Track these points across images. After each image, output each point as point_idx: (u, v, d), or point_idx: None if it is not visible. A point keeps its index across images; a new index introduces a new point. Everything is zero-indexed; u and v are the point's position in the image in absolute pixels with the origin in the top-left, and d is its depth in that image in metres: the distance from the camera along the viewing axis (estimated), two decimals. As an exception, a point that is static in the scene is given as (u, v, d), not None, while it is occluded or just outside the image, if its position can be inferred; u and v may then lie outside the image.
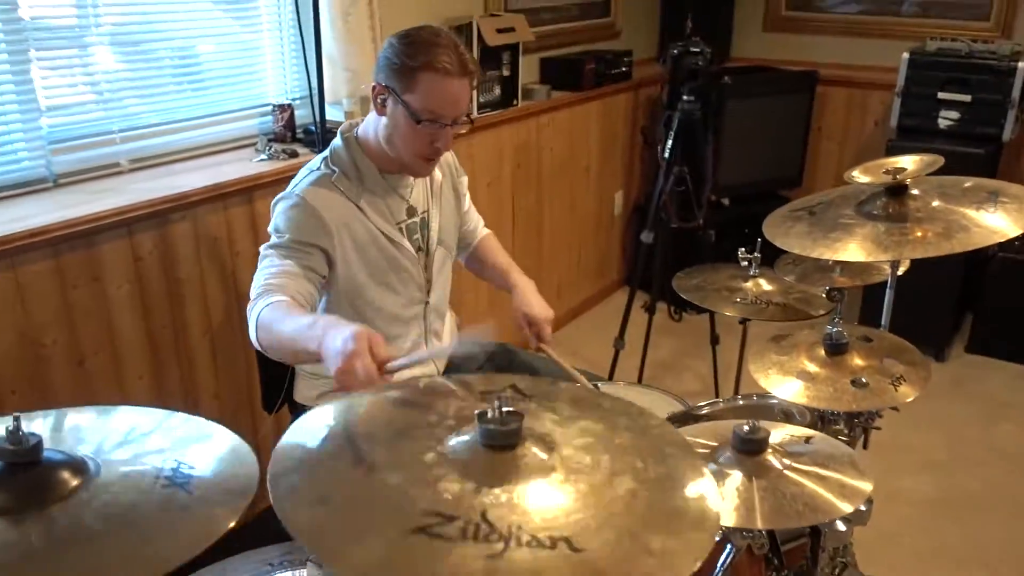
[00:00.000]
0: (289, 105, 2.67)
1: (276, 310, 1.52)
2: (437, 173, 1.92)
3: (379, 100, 1.69)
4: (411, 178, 1.85)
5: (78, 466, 0.84)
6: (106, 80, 2.28)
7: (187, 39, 2.47)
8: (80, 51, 2.21)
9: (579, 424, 0.96)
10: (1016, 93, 3.41)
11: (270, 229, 1.74)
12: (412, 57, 1.63)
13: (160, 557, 0.77)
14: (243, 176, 2.35)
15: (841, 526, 1.29)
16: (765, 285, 2.07)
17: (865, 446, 1.77)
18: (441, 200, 1.93)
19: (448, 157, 1.97)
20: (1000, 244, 3.67)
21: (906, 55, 3.60)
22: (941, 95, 3.54)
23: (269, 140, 2.61)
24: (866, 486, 1.10)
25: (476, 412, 0.87)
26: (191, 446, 0.96)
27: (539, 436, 0.89)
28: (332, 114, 2.64)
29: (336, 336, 1.34)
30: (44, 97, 2.14)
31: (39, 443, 0.82)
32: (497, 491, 0.82)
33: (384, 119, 1.70)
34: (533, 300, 1.99)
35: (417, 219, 1.87)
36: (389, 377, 1.33)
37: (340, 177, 1.75)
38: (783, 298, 2.00)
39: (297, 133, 2.69)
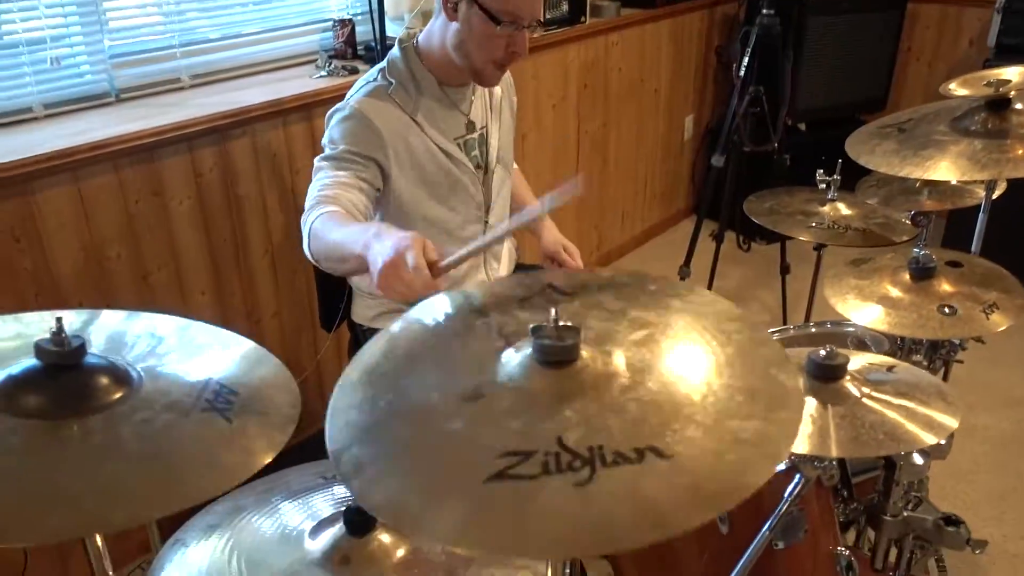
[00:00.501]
0: (350, 20, 2.60)
1: (329, 219, 1.48)
2: (497, 89, 1.85)
3: (450, 4, 1.60)
4: (471, 91, 1.78)
5: (120, 376, 0.82)
6: (165, -8, 2.24)
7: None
8: (139, -39, 2.17)
9: (629, 316, 0.88)
10: None
11: (324, 141, 1.69)
12: None
13: (194, 488, 0.74)
14: (303, 92, 2.31)
15: (918, 459, 1.21)
16: (844, 209, 1.95)
17: (945, 378, 1.68)
18: (501, 116, 1.86)
19: (507, 74, 1.89)
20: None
21: (1010, -34, 3.32)
22: (1048, 10, 3.28)
23: (329, 56, 2.56)
24: (953, 419, 1.02)
25: (530, 327, 0.81)
26: (239, 370, 0.92)
27: (594, 340, 0.83)
28: (393, 30, 2.56)
29: (385, 240, 1.28)
30: (107, 12, 2.12)
31: (82, 346, 0.80)
32: (567, 413, 0.76)
33: (455, 24, 1.62)
34: (559, 235, 1.95)
35: (476, 135, 1.80)
36: (441, 283, 1.26)
37: (397, 88, 1.68)
38: (863, 223, 1.88)
39: (358, 50, 2.62)
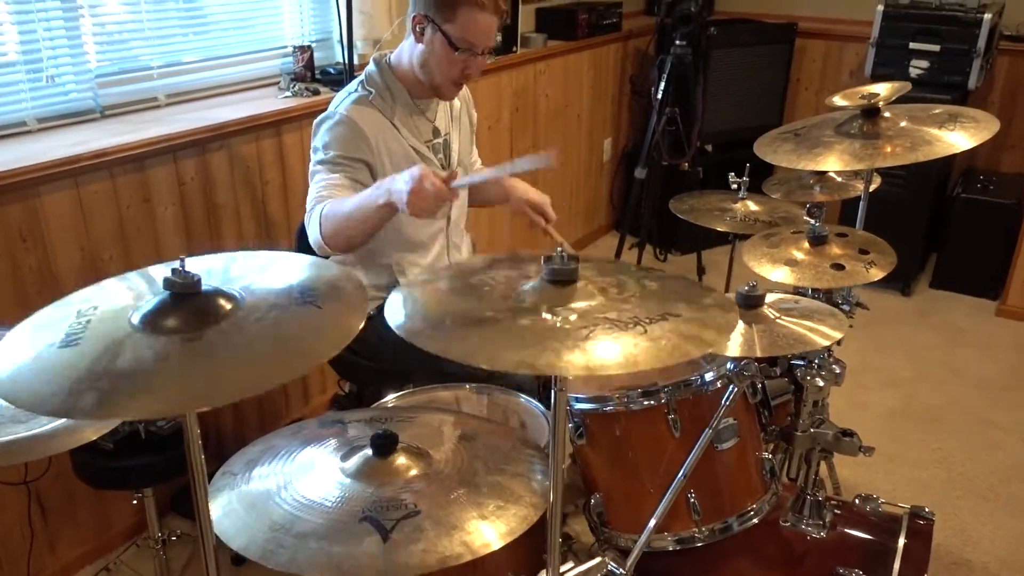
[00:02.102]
0: (309, 47, 2.85)
1: (335, 203, 1.78)
2: (456, 101, 2.15)
3: (418, 28, 1.90)
4: (436, 103, 2.07)
5: (230, 296, 1.06)
6: (143, 21, 2.45)
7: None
8: (122, -10, 2.38)
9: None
10: (982, 43, 3.66)
11: (315, 146, 1.95)
12: None
13: (310, 352, 0.99)
14: (274, 110, 2.55)
15: (820, 382, 1.55)
16: (752, 205, 2.31)
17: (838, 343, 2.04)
18: (460, 125, 2.16)
19: (465, 91, 2.19)
20: (964, 186, 3.93)
21: (880, 7, 3.83)
22: (912, 45, 3.79)
23: (291, 80, 2.80)
24: (838, 332, 1.36)
25: (543, 257, 1.09)
26: (308, 276, 1.17)
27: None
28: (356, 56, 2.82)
29: (398, 178, 1.67)
30: (92, 34, 2.31)
31: (199, 279, 1.04)
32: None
33: (421, 46, 1.91)
34: (529, 188, 2.22)
35: (441, 140, 2.09)
36: (456, 193, 1.67)
37: (376, 97, 1.96)
38: (769, 216, 2.25)
39: (316, 73, 2.87)
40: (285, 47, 2.86)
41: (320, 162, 1.92)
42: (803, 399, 1.56)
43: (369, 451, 1.37)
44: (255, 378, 0.96)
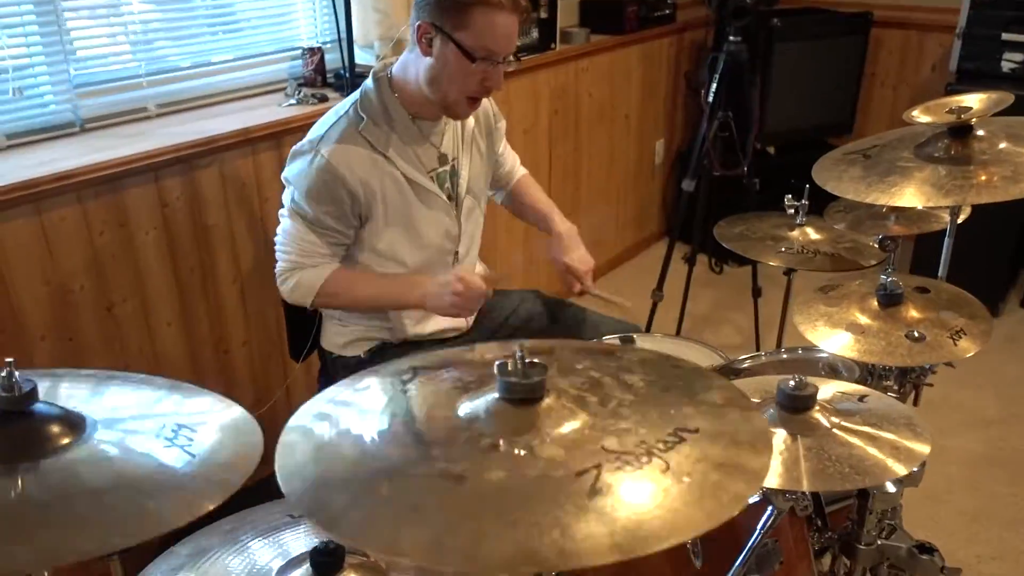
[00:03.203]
0: (319, 48, 2.59)
1: (338, 284, 1.72)
2: (469, 120, 1.85)
3: (424, 40, 1.60)
4: (443, 124, 1.78)
5: (73, 421, 0.80)
6: (133, 23, 2.22)
7: (214, -22, 2.40)
8: (104, -10, 2.16)
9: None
10: (1087, 33, 3.20)
11: (288, 178, 1.71)
12: None
13: (158, 517, 0.72)
14: (272, 120, 2.29)
15: (891, 488, 1.21)
16: (813, 234, 1.96)
17: (916, 403, 1.69)
18: (472, 149, 1.86)
19: (485, 102, 1.89)
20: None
21: (968, -7, 3.39)
22: (1005, 36, 3.33)
23: (299, 84, 2.55)
24: (923, 448, 1.02)
25: (496, 364, 0.79)
26: (194, 416, 0.91)
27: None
28: (363, 58, 2.56)
29: (435, 282, 1.66)
30: (72, 40, 2.09)
31: (33, 390, 0.78)
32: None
33: (429, 60, 1.62)
34: (573, 249, 1.92)
35: (448, 167, 1.80)
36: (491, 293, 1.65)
37: (368, 125, 1.68)
38: (832, 247, 1.90)
39: (328, 77, 2.61)
40: (296, 49, 2.61)
41: (299, 214, 1.69)
42: (868, 506, 1.23)
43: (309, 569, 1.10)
44: (60, 547, 0.69)
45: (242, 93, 2.48)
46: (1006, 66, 3.37)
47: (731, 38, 2.90)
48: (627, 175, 3.96)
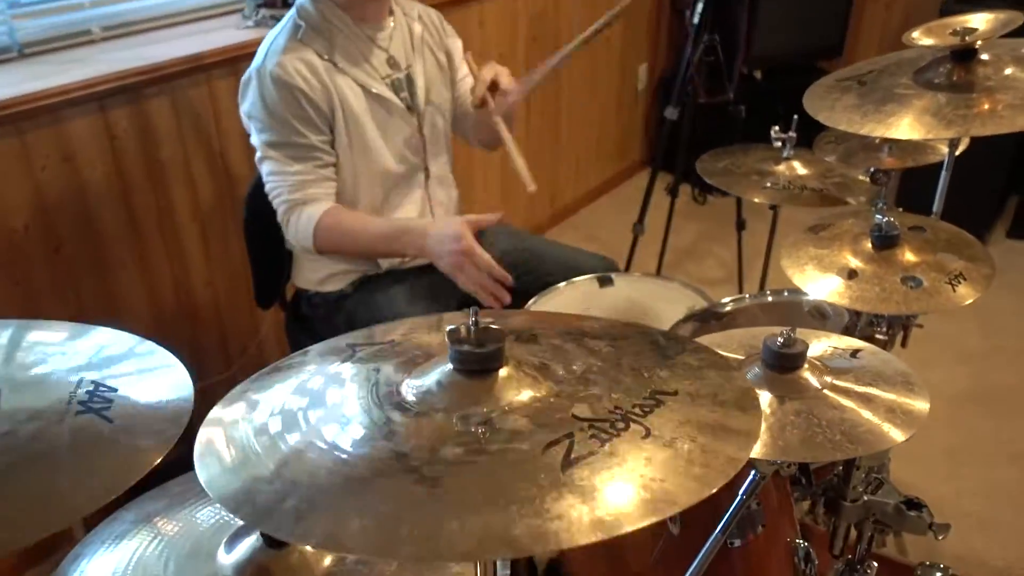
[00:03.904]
0: (278, -35, 2.41)
1: (339, 222, 1.59)
2: (416, 26, 1.73)
3: None
4: (389, 27, 1.67)
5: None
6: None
7: None
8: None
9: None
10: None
11: (249, 113, 1.60)
12: None
13: (71, 502, 0.64)
14: (228, 45, 2.14)
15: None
16: (800, 168, 1.86)
17: (904, 344, 1.62)
18: (425, 54, 1.74)
19: (432, 15, 1.80)
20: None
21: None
22: (1007, -49, 3.18)
23: (257, 5, 2.37)
24: (922, 407, 0.94)
25: (447, 331, 0.69)
26: (114, 366, 0.81)
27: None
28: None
29: (437, 238, 1.51)
30: (1, -46, 1.92)
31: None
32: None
33: None
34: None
35: (402, 75, 1.68)
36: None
37: (308, 32, 1.56)
38: (820, 183, 1.80)
39: (288, -3, 2.44)
40: (255, -35, 2.43)
41: (270, 144, 1.57)
42: (855, 462, 1.16)
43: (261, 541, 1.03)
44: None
45: (196, 15, 2.32)
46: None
47: (718, -45, 2.73)
48: (608, 102, 3.81)
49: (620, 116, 3.93)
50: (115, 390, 0.75)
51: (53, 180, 1.89)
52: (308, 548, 1.03)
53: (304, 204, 1.59)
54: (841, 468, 1.18)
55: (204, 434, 0.71)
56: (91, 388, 0.75)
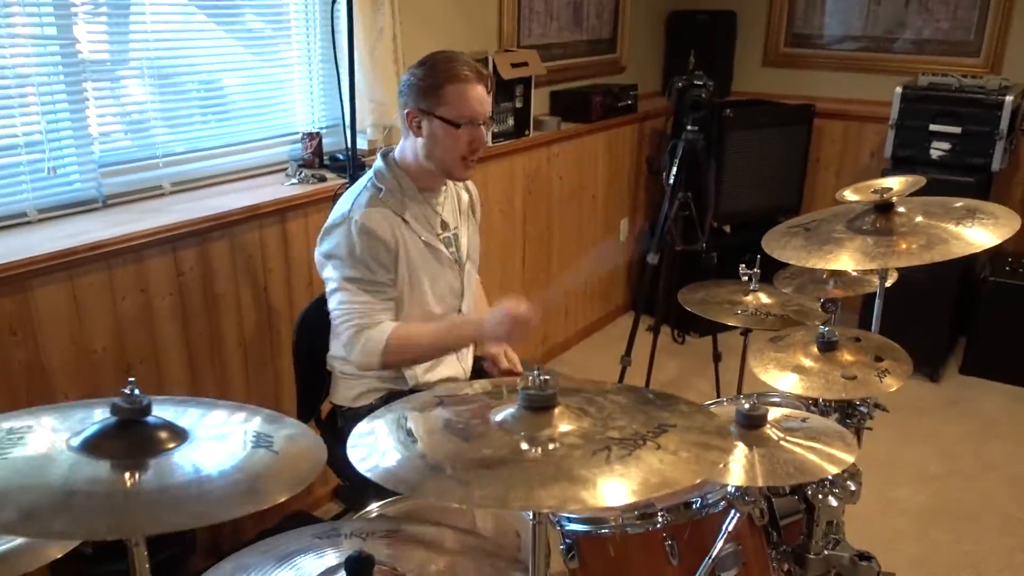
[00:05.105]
0: (318, 133, 2.84)
1: (404, 334, 1.91)
2: (464, 194, 2.12)
3: (414, 124, 1.88)
4: (443, 196, 2.04)
5: (177, 430, 0.99)
6: (150, 111, 2.46)
7: (217, 72, 2.65)
8: (124, 84, 2.39)
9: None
10: (1004, 125, 3.58)
11: (329, 253, 1.91)
12: (434, 76, 1.86)
13: (260, 490, 0.92)
14: (277, 198, 2.52)
15: (833, 502, 1.44)
16: (764, 298, 2.22)
17: (859, 445, 1.92)
18: (468, 219, 2.12)
19: (473, 188, 2.19)
20: (992, 268, 3.81)
21: (899, 89, 3.78)
22: (933, 127, 3.72)
23: (299, 166, 2.78)
24: (849, 456, 1.25)
25: (519, 382, 1.02)
26: (269, 427, 1.11)
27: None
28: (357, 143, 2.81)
29: (488, 318, 1.91)
30: (96, 125, 2.31)
31: (148, 404, 0.98)
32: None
33: (421, 139, 1.90)
34: (499, 344, 2.18)
35: (451, 234, 2.05)
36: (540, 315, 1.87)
37: (387, 194, 1.93)
38: (781, 310, 2.15)
39: (324, 160, 2.86)
40: (295, 133, 2.86)
41: (347, 279, 1.90)
42: (815, 519, 1.45)
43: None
44: (195, 512, 0.89)
45: (247, 174, 2.71)
46: (935, 154, 3.74)
47: (688, 127, 3.23)
48: (595, 251, 4.23)
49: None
50: (272, 437, 1.05)
51: (130, 309, 2.21)
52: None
53: (371, 327, 1.89)
54: (805, 527, 1.46)
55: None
56: (256, 434, 1.03)
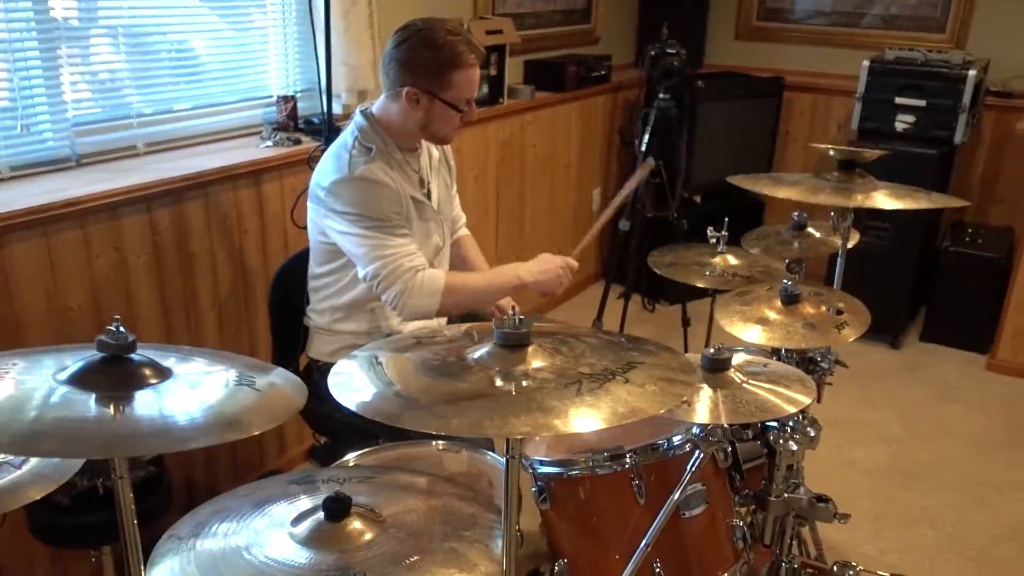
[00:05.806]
0: (293, 97, 2.85)
1: (455, 280, 1.96)
2: (435, 151, 2.15)
3: (412, 99, 1.92)
4: (419, 154, 2.08)
5: (160, 368, 1.03)
6: (123, 72, 2.45)
7: (186, 33, 2.63)
8: (95, 45, 2.38)
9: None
10: (967, 99, 3.67)
11: (346, 210, 1.90)
12: (440, 59, 1.88)
13: (239, 423, 0.95)
14: (252, 159, 2.53)
15: (793, 446, 1.50)
16: (732, 260, 2.28)
17: (819, 399, 1.99)
18: (438, 175, 2.16)
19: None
20: (952, 239, 3.91)
21: (866, 63, 3.85)
22: (898, 100, 3.80)
23: (273, 129, 2.79)
24: (806, 398, 1.31)
25: (494, 321, 1.06)
26: (250, 370, 1.15)
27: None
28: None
29: (531, 265, 2.02)
30: (69, 85, 2.30)
31: (134, 341, 1.01)
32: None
33: (418, 114, 1.94)
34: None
35: (426, 190, 2.09)
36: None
37: (376, 152, 1.95)
38: (748, 271, 2.22)
39: (299, 123, 2.87)
40: (270, 97, 2.86)
41: (370, 228, 1.89)
42: (776, 463, 1.51)
43: (321, 515, 1.32)
44: (177, 438, 0.92)
45: (221, 136, 2.71)
46: (900, 126, 3.83)
47: (661, 95, 3.27)
48: (567, 220, 4.28)
49: (577, 232, 4.38)
50: (254, 377, 1.08)
51: (104, 267, 2.21)
52: (357, 524, 1.33)
53: (424, 268, 1.90)
54: (767, 471, 1.52)
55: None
56: (238, 374, 1.07)
